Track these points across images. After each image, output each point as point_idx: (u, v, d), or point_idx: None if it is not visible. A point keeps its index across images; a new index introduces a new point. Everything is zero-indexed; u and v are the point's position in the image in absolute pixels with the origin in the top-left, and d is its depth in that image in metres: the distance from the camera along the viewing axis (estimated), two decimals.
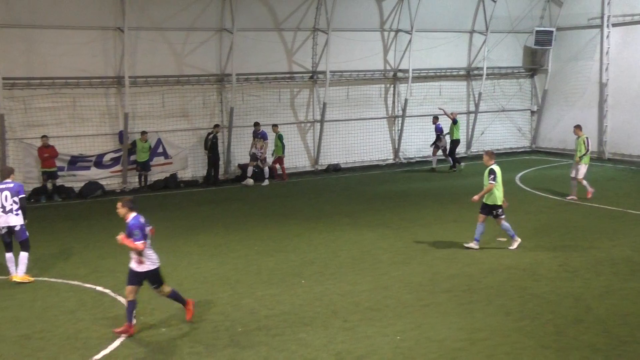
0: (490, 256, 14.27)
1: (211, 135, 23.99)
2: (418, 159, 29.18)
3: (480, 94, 30.09)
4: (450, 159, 26.62)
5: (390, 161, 28.87)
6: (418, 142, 29.18)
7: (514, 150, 31.40)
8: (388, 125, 28.86)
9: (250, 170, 24.28)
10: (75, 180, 22.77)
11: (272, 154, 24.99)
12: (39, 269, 13.87)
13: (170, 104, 24.24)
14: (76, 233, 17.27)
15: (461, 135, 27.37)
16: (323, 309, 11.29)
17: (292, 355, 9.46)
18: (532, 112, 32.03)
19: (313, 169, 27.18)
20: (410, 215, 18.48)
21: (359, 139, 27.96)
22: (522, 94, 31.77)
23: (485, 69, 29.80)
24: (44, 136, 21.57)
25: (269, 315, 11.02)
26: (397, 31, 28.05)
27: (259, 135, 24.12)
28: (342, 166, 27.47)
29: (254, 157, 24.19)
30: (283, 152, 25.10)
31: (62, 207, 21.00)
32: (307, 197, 21.83)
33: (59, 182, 22.21)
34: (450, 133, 26.51)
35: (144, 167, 23.46)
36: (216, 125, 24.28)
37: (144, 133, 23.24)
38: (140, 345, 9.86)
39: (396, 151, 29.02)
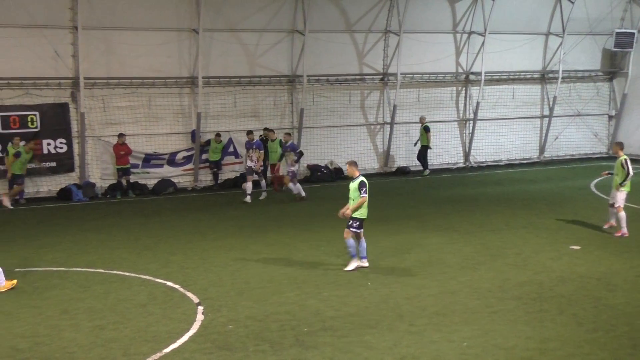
0: (562, 264, 13.90)
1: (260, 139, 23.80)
2: (489, 163, 28.72)
3: (555, 97, 29.34)
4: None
5: (461, 165, 28.49)
6: (489, 146, 28.75)
7: (589, 156, 30.52)
8: (459, 129, 28.49)
9: (250, 185, 21.39)
10: (149, 178, 23.40)
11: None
12: (113, 263, 14.31)
13: (241, 104, 24.59)
14: (148, 229, 17.72)
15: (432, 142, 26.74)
16: (389, 312, 11.23)
17: (357, 358, 9.44)
18: (610, 117, 31.05)
19: (382, 171, 27.09)
20: (479, 220, 18.19)
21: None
22: (599, 98, 30.82)
23: (560, 72, 29.04)
24: (121, 134, 22.23)
25: (334, 316, 11.03)
26: (470, 33, 27.66)
27: (253, 145, 21.35)
28: (411, 169, 27.26)
29: (250, 171, 21.41)
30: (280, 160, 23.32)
31: (136, 203, 21.59)
32: (375, 200, 21.62)
33: (133, 178, 22.86)
34: (421, 138, 26.25)
35: (216, 166, 23.91)
36: (265, 129, 23.73)
37: (218, 135, 23.64)
38: (208, 341, 10.04)
39: (467, 155, 28.62)
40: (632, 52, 29.27)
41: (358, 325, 10.63)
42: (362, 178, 13.61)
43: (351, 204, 13.60)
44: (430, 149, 26.51)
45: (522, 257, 14.43)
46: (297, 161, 21.80)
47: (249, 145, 21.57)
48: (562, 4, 28.23)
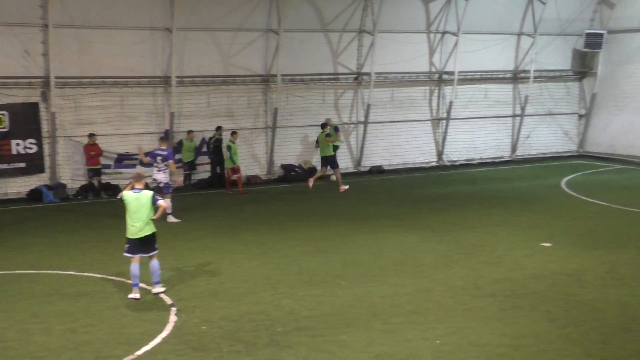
0: (534, 261, 14.04)
1: (212, 139, 23.47)
2: (462, 162, 28.93)
3: (526, 97, 29.64)
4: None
5: (434, 164, 28.64)
6: (462, 145, 28.95)
7: (560, 155, 30.87)
8: (432, 128, 28.64)
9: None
10: (121, 178, 23.09)
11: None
12: (85, 265, 14.16)
13: (215, 104, 24.45)
14: (121, 230, 17.41)
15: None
16: (364, 310, 11.26)
17: (332, 357, 9.45)
18: (580, 116, 31.43)
19: (356, 170, 27.14)
20: (453, 219, 18.30)
21: (402, 141, 27.80)
22: (570, 97, 31.17)
23: (532, 71, 29.32)
24: (91, 134, 21.98)
25: (309, 315, 11.03)
26: (444, 33, 27.81)
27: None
28: (385, 168, 27.36)
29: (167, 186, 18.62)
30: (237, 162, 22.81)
31: (109, 204, 21.33)
32: (350, 199, 21.78)
33: (105, 179, 22.61)
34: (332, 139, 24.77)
35: (191, 166, 23.75)
36: (219, 128, 23.42)
37: (190, 132, 23.47)
38: (181, 342, 9.97)
39: (440, 154, 28.79)
40: (602, 53, 29.65)
41: (333, 324, 10.63)
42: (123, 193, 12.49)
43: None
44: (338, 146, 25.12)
45: (496, 255, 14.55)
46: None
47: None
48: (533, 5, 28.51)
